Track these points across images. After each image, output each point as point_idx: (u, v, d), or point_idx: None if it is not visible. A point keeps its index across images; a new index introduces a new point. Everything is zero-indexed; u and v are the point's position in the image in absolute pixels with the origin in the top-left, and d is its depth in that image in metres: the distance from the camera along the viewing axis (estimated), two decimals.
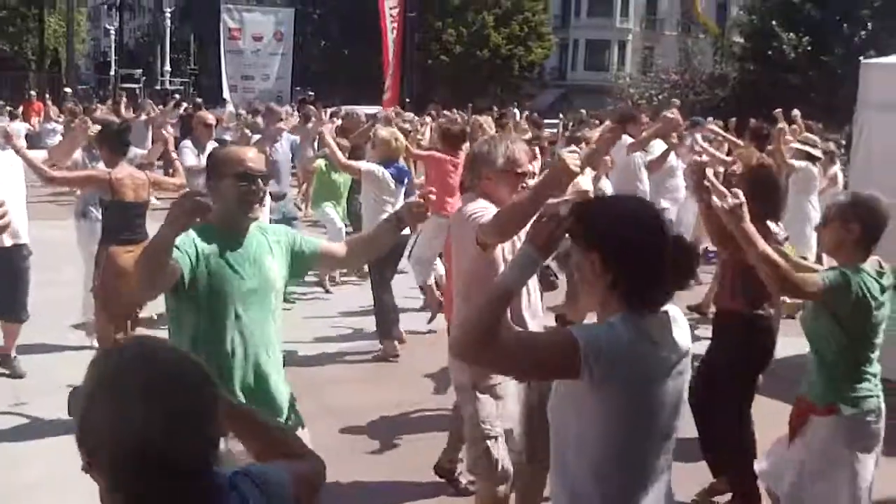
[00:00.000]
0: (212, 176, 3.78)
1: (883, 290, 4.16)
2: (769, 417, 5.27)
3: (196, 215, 3.21)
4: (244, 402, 3.54)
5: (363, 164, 9.01)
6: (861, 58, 10.32)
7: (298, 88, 34.87)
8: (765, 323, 5.33)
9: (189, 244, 3.58)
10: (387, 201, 8.52)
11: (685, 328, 2.76)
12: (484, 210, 4.25)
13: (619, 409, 2.60)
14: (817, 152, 10.39)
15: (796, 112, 12.65)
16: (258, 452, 2.33)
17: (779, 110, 11.17)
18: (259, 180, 3.72)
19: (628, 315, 2.60)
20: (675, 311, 2.74)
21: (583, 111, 23.62)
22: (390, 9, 27.37)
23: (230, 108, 21.55)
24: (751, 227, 4.01)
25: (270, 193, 9.86)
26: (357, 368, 8.44)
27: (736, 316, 5.36)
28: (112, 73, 53.13)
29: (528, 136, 11.85)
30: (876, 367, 4.22)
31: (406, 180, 8.94)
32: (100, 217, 8.11)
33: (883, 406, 4.23)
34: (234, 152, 3.86)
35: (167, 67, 48.51)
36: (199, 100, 23.48)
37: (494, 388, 4.47)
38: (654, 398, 2.65)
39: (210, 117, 10.47)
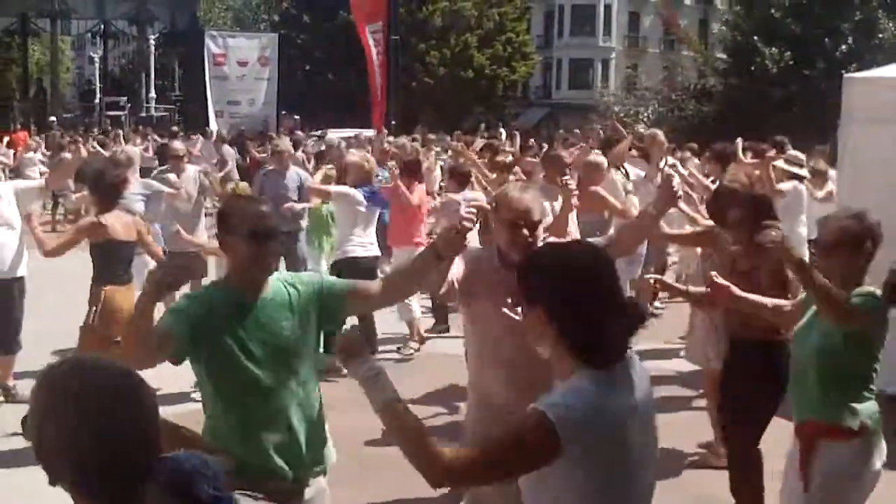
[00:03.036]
0: (222, 230, 3.58)
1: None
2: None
3: (163, 290, 3.33)
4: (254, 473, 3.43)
5: (333, 188, 9.22)
6: (842, 71, 10.37)
7: (284, 113, 34.88)
8: (780, 347, 5.13)
9: (191, 309, 3.48)
10: (358, 223, 8.83)
11: (644, 375, 2.62)
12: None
13: (599, 479, 2.46)
14: (804, 171, 10.38)
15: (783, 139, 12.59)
16: None
17: (739, 140, 11.15)
18: (276, 239, 3.56)
19: (585, 371, 2.48)
20: (633, 359, 2.61)
21: (576, 131, 23.72)
22: (372, 33, 27.42)
23: (200, 140, 21.34)
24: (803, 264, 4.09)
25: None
26: (345, 390, 8.43)
27: (749, 343, 5.37)
28: (97, 100, 53.05)
29: (509, 158, 11.95)
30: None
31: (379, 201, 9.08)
32: None
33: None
34: (248, 207, 3.62)
35: (152, 94, 48.49)
36: (174, 128, 23.55)
37: None
38: (630, 460, 2.51)
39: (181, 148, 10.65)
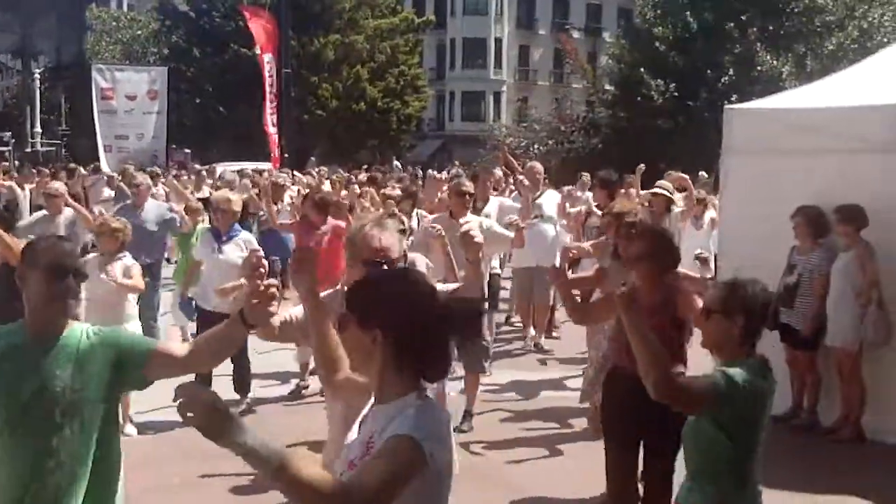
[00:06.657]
0: (23, 267, 3.43)
1: (768, 391, 3.75)
2: None
3: None
4: None
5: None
6: (724, 102, 10.69)
7: (174, 147, 34.36)
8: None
9: None
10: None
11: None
12: None
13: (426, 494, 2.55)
14: (677, 197, 10.54)
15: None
16: None
17: (641, 166, 11.48)
18: (71, 277, 3.40)
19: (419, 392, 2.60)
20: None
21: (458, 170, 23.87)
22: (266, 63, 27.39)
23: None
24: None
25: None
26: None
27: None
28: None
29: (398, 192, 11.97)
30: (758, 476, 3.80)
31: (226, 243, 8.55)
32: None
33: None
34: (49, 244, 3.48)
35: (38, 129, 47.28)
36: (72, 165, 22.93)
37: None
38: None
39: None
